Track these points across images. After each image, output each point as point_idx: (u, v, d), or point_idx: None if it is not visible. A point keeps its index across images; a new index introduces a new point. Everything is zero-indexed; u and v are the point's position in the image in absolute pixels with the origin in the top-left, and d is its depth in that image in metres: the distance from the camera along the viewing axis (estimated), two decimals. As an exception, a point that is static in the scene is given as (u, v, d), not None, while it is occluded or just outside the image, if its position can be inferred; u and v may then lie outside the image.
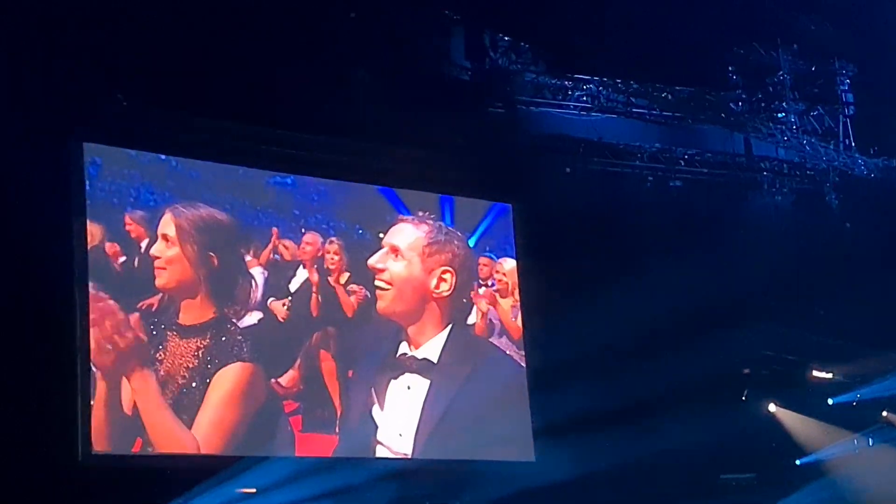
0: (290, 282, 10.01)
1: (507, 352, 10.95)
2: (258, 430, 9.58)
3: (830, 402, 12.03)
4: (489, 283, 11.00)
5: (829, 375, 12.13)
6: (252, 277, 9.83)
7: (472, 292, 10.85)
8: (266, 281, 9.87)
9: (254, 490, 9.29)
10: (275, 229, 10.01)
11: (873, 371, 11.89)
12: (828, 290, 11.60)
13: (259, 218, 9.99)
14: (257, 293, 9.82)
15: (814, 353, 11.98)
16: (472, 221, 11.03)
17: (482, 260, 11.01)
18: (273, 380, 9.71)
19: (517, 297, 11.07)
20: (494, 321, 10.95)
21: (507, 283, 11.08)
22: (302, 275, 10.08)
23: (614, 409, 10.49)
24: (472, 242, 10.96)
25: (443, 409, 10.38)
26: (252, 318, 9.74)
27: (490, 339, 10.91)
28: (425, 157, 10.70)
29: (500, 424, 10.71)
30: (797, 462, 11.93)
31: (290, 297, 9.95)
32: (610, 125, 11.53)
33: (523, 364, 10.94)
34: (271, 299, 9.86)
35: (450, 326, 10.58)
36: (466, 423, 10.48)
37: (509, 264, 11.13)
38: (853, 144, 12.35)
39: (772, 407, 11.99)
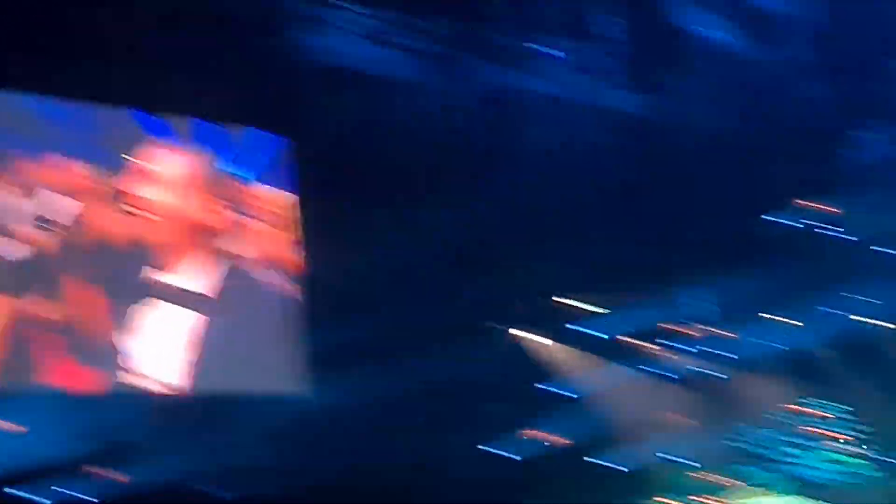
0: (45, 209, 9.69)
1: (280, 285, 10.88)
2: (14, 363, 9.34)
3: (587, 331, 12.32)
4: (260, 215, 10.90)
5: (588, 307, 12.44)
6: (4, 205, 9.53)
7: (242, 224, 10.73)
8: (20, 208, 9.57)
9: (10, 424, 9.08)
10: (29, 154, 9.68)
11: (630, 302, 12.26)
12: (591, 223, 11.86)
13: (11, 142, 9.65)
14: (10, 221, 9.51)
15: (572, 284, 12.26)
16: (241, 152, 10.87)
17: (252, 191, 10.88)
18: (30, 311, 9.45)
19: (290, 230, 11.02)
20: (266, 254, 10.87)
21: (279, 216, 11.01)
22: (59, 202, 9.76)
23: (387, 344, 10.59)
24: (240, 173, 10.82)
25: (211, 341, 10.26)
26: (5, 246, 9.45)
27: (261, 272, 10.81)
28: (191, 84, 10.47)
29: (272, 357, 10.70)
30: (552, 390, 12.12)
31: (45, 225, 9.64)
32: (376, 56, 11.47)
33: (295, 297, 10.90)
34: (23, 227, 9.55)
35: (217, 257, 10.43)
36: (236, 356, 10.41)
37: (280, 196, 11.04)
38: (623, 81, 12.51)
39: (528, 335, 12.28)
